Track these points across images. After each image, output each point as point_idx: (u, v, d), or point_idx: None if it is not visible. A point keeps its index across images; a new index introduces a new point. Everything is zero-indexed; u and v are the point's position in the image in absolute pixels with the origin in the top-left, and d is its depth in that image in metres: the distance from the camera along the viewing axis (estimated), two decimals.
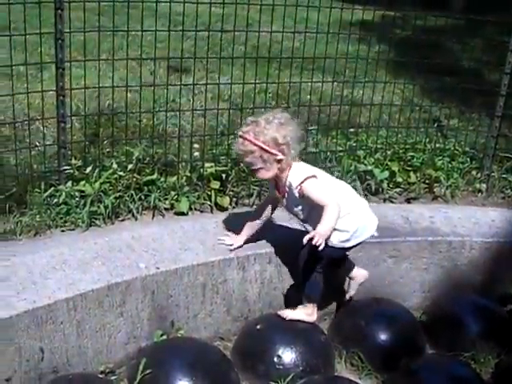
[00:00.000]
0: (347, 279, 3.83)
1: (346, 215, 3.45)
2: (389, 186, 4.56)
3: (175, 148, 4.11)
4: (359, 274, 3.80)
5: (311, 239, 3.29)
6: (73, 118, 3.94)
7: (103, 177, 3.80)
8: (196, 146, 4.14)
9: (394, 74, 5.43)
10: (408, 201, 4.57)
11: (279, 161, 3.41)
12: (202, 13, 4.14)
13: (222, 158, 4.16)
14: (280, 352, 3.48)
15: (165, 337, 3.54)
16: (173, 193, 3.95)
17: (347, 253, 3.64)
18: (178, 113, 4.24)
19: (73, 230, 3.72)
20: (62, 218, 3.73)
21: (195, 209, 3.99)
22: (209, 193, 4.03)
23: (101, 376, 3.33)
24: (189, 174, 4.02)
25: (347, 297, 3.84)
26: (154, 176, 3.93)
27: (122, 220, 3.84)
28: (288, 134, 3.40)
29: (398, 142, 4.79)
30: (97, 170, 3.83)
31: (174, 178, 3.96)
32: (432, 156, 4.79)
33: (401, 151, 4.78)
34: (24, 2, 3.59)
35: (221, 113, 4.48)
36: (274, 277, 3.79)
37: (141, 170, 3.95)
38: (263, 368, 3.49)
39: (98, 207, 3.75)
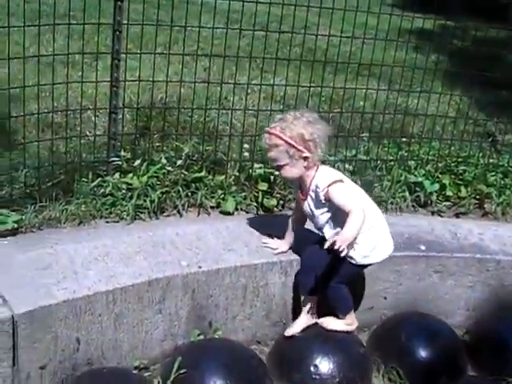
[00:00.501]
0: None
1: (370, 228, 3.36)
2: (438, 199, 4.45)
3: (225, 146, 4.07)
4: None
5: (333, 245, 3.14)
6: (125, 109, 3.92)
7: (151, 171, 3.77)
8: (246, 146, 4.09)
9: (450, 85, 5.31)
10: (457, 215, 4.45)
11: (305, 158, 3.34)
12: (259, 12, 4.09)
13: None
14: (317, 361, 3.42)
15: (202, 336, 3.51)
16: (220, 191, 3.90)
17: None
18: (229, 111, 4.20)
19: (117, 222, 3.69)
20: (107, 209, 3.71)
21: (241, 209, 3.94)
22: (256, 194, 3.97)
23: (135, 372, 3.31)
24: (237, 174, 3.97)
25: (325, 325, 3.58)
26: (202, 173, 3.89)
27: (167, 215, 3.80)
28: (315, 132, 3.34)
29: (451, 154, 4.67)
30: (145, 164, 3.80)
31: (222, 176, 3.92)
32: (484, 171, 4.66)
33: (453, 164, 4.66)
34: None
35: (273, 114, 4.42)
36: None
37: (189, 167, 3.91)
38: (299, 376, 3.43)
39: (144, 201, 3.73)
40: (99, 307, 3.19)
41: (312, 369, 3.41)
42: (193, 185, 3.87)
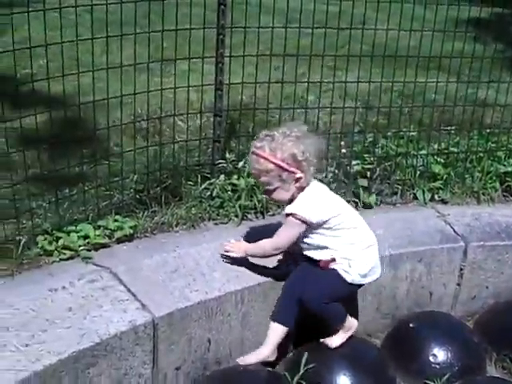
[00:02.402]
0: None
1: (368, 247, 3.25)
2: None
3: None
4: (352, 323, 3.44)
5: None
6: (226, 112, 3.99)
7: None
8: (342, 143, 4.15)
9: None
10: None
11: (298, 179, 3.12)
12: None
13: (366, 155, 4.16)
14: (435, 351, 3.50)
15: None
16: None
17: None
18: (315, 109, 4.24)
19: (226, 223, 3.76)
20: (214, 211, 3.78)
21: None
22: (355, 190, 4.04)
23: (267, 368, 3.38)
24: (336, 171, 4.04)
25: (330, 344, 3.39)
26: None
27: (272, 215, 3.86)
28: (307, 150, 3.09)
29: None
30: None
31: (323, 174, 3.99)
32: None
33: None
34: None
35: (348, 111, 4.47)
36: (423, 276, 3.80)
37: None
38: (417, 366, 3.52)
39: (251, 201, 3.80)
40: (229, 307, 3.27)
41: (431, 358, 3.49)
42: None
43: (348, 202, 3.99)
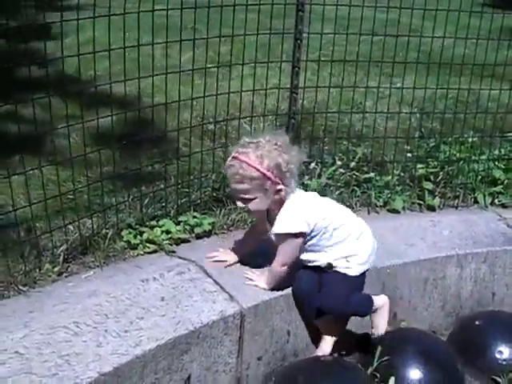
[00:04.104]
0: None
1: (360, 235, 3.25)
2: None
3: (390, 148, 4.29)
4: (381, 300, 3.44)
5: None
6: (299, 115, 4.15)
7: (327, 172, 3.99)
8: (407, 147, 4.30)
9: None
10: None
11: (278, 191, 3.04)
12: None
13: (429, 159, 4.31)
14: (502, 348, 3.62)
15: (387, 328, 3.71)
16: (386, 191, 4.12)
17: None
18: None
19: None
20: None
21: (407, 208, 4.15)
22: (419, 193, 4.18)
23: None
24: (402, 174, 4.18)
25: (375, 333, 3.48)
26: (372, 174, 4.10)
27: None
28: (291, 161, 3.02)
29: None
30: (319, 166, 4.02)
31: (389, 177, 4.13)
32: None
33: None
34: (272, 3, 3.82)
35: (406, 117, 4.60)
36: (487, 276, 3.94)
37: (359, 168, 4.13)
38: (483, 362, 3.63)
39: None
40: None
41: (497, 355, 3.61)
42: (363, 185, 4.09)
43: (412, 204, 4.19)
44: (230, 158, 3.06)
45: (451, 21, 4.32)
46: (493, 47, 4.60)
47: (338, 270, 3.25)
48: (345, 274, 3.24)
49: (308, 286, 3.29)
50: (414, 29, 4.33)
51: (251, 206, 3.07)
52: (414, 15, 4.22)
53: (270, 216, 3.21)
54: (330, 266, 3.24)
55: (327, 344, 3.40)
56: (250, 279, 3.31)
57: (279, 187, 3.02)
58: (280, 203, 3.12)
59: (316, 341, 3.44)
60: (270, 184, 3.00)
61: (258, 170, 2.96)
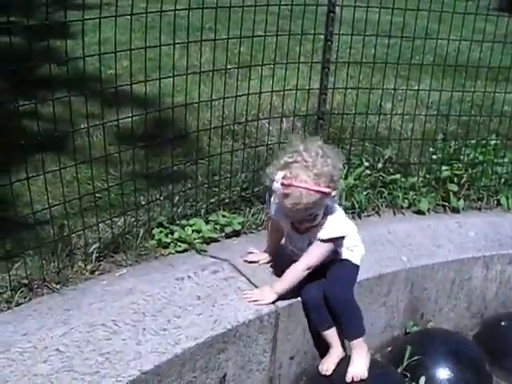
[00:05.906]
0: None
1: (354, 228, 3.24)
2: None
3: (415, 150, 4.32)
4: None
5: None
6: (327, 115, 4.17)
7: (354, 173, 4.01)
8: (431, 149, 4.33)
9: None
10: None
11: (332, 197, 2.98)
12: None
13: (453, 162, 4.34)
14: None
15: (415, 328, 3.75)
16: (411, 193, 4.15)
17: None
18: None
19: None
20: None
21: (432, 209, 4.18)
22: (443, 194, 4.22)
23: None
24: (427, 176, 4.21)
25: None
26: (398, 176, 4.13)
27: (367, 216, 4.04)
28: (336, 165, 2.94)
29: None
30: (346, 167, 4.04)
31: (414, 178, 4.16)
32: None
33: None
34: (304, 3, 3.84)
35: (429, 119, 4.62)
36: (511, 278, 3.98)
37: (385, 169, 4.16)
38: (510, 363, 3.70)
39: (352, 202, 3.96)
40: None
41: None
42: (390, 186, 4.12)
43: (437, 205, 4.22)
44: (279, 184, 2.90)
45: (465, 25, 4.32)
46: (506, 51, 4.62)
47: (342, 258, 3.22)
48: (350, 261, 3.22)
49: (316, 298, 3.25)
50: (437, 32, 4.32)
51: (315, 222, 3.02)
52: (435, 19, 4.24)
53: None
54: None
55: (332, 358, 3.29)
56: (254, 300, 3.18)
57: (333, 194, 2.97)
58: (326, 208, 3.07)
59: (323, 355, 3.36)
60: (328, 198, 2.95)
61: (319, 191, 2.86)
